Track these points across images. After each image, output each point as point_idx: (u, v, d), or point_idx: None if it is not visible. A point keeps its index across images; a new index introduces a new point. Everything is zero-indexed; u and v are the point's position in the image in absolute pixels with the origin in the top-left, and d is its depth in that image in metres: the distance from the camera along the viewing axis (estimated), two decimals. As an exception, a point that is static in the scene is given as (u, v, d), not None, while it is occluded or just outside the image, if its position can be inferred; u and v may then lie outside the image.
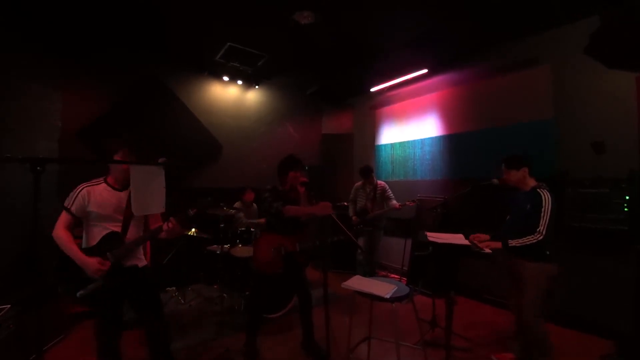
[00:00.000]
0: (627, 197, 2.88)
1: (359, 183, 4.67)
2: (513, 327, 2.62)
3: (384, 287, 2.18)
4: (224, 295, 3.67)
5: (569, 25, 3.48)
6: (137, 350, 2.57)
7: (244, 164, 5.42)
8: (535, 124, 3.74)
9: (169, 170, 1.98)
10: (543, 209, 2.26)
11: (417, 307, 2.40)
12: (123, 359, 2.09)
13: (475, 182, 3.02)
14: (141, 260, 2.18)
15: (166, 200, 2.06)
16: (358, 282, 2.32)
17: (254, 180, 5.09)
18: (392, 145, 5.69)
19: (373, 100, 6.07)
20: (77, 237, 2.03)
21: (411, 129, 5.35)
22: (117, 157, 2.05)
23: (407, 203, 4.27)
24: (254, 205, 4.63)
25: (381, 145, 5.93)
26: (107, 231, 2.01)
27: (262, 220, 4.38)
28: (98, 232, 2.00)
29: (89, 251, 1.96)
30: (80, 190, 1.98)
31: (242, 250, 3.71)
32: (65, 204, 1.97)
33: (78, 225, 2.03)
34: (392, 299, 2.08)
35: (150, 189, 1.82)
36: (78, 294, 1.87)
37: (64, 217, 1.97)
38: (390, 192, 4.50)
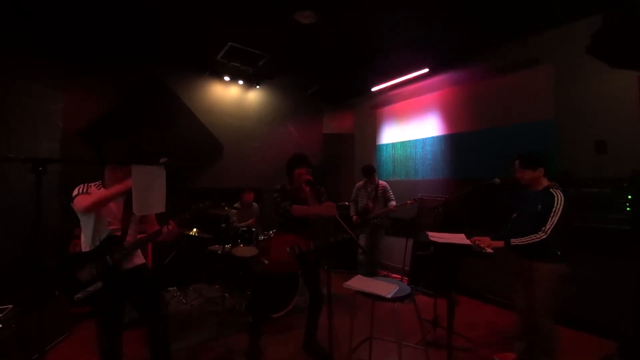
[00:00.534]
0: (630, 197, 2.86)
1: (360, 182, 4.69)
2: (515, 327, 2.61)
3: (385, 287, 2.18)
4: (225, 295, 3.67)
5: (570, 25, 3.47)
6: (137, 350, 2.57)
7: (245, 164, 5.42)
8: (536, 123, 3.73)
9: (170, 170, 1.99)
10: (554, 209, 2.23)
11: (418, 307, 2.39)
12: (124, 358, 2.10)
13: (476, 182, 3.01)
14: (139, 257, 2.20)
15: (167, 201, 2.08)
16: (359, 282, 2.32)
17: (255, 180, 5.09)
18: (393, 144, 5.68)
19: (374, 99, 6.07)
20: (76, 238, 2.03)
21: (412, 128, 5.34)
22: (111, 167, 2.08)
23: (408, 202, 4.28)
24: (254, 205, 4.63)
25: (382, 144, 5.92)
26: (106, 234, 2.02)
27: (251, 221, 4.38)
28: (97, 235, 2.01)
29: (87, 255, 1.97)
30: (88, 188, 2.02)
31: (243, 250, 3.71)
32: (74, 193, 1.97)
33: (78, 225, 2.04)
34: (394, 299, 2.08)
35: (152, 189, 1.82)
36: (75, 298, 1.87)
37: (80, 197, 1.95)
38: (391, 193, 4.52)
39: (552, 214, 2.22)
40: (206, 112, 5.11)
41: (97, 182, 2.12)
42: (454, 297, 2.20)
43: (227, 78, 5.15)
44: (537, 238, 2.22)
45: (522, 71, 3.90)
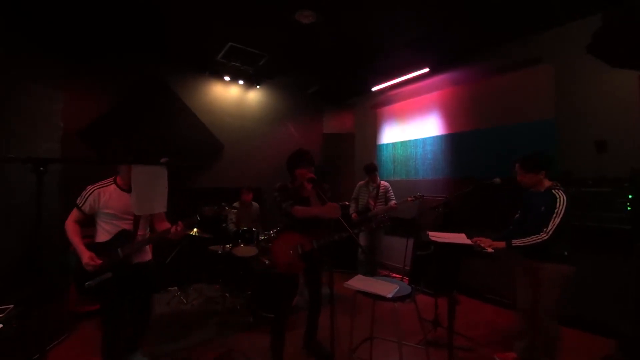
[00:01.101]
0: (630, 196, 2.87)
1: (362, 182, 4.71)
2: (516, 327, 2.61)
3: (386, 287, 2.18)
4: (226, 294, 3.67)
5: (570, 24, 3.48)
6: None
7: (245, 164, 5.42)
8: (537, 123, 3.73)
9: (170, 170, 2.04)
10: (556, 210, 2.22)
11: (419, 306, 2.40)
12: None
13: (477, 182, 3.01)
14: (147, 254, 2.39)
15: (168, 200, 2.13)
16: (360, 282, 2.32)
17: (255, 180, 5.09)
18: (394, 144, 5.68)
19: (374, 99, 6.07)
20: (86, 237, 2.13)
21: (412, 128, 5.34)
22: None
23: (408, 199, 4.29)
24: (253, 204, 4.62)
25: (382, 144, 5.92)
26: (120, 229, 2.17)
27: (248, 224, 4.34)
28: (110, 230, 2.16)
29: (100, 246, 2.13)
30: (92, 192, 2.14)
31: (243, 250, 3.71)
32: (77, 201, 2.14)
33: (87, 224, 2.19)
34: (394, 299, 2.08)
35: (153, 188, 1.83)
36: (86, 285, 2.03)
37: (75, 213, 2.15)
38: (392, 194, 4.53)
39: (554, 215, 2.22)
40: (206, 112, 5.11)
41: (110, 180, 2.24)
42: (455, 297, 2.19)
43: (227, 78, 5.14)
44: (538, 239, 2.22)
45: (522, 71, 3.90)
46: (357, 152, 6.49)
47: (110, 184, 2.20)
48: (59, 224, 3.35)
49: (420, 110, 5.24)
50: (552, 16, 3.42)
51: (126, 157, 2.40)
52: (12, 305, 2.27)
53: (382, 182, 4.61)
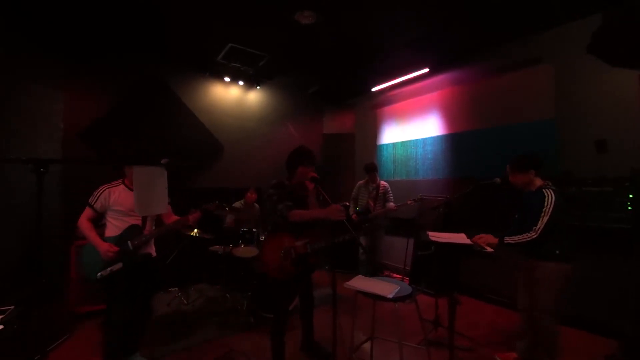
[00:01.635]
0: (631, 196, 2.87)
1: (362, 181, 4.70)
2: (517, 327, 2.61)
3: (386, 287, 2.18)
4: (227, 295, 3.67)
5: (570, 24, 3.48)
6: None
7: (245, 164, 5.42)
8: (537, 123, 3.74)
9: (171, 170, 2.07)
10: (544, 209, 2.23)
11: (419, 306, 2.40)
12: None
13: (477, 182, 3.01)
14: (152, 250, 2.53)
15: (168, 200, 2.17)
16: (360, 282, 2.32)
17: (255, 180, 5.09)
18: (394, 144, 5.68)
19: (374, 99, 6.07)
20: (77, 238, 2.18)
21: (413, 128, 5.34)
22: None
23: (408, 202, 4.29)
24: (256, 205, 4.62)
25: (383, 144, 5.92)
26: (129, 224, 2.35)
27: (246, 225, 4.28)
28: (119, 225, 2.35)
29: (111, 240, 2.30)
30: (103, 191, 2.34)
31: (244, 251, 3.71)
32: (89, 200, 2.33)
33: (99, 220, 2.40)
34: (395, 299, 2.08)
35: (153, 189, 1.83)
36: (98, 275, 2.19)
37: (87, 211, 2.34)
38: (391, 195, 4.53)
39: (542, 214, 2.23)
40: (207, 113, 5.11)
41: (119, 180, 2.43)
42: (455, 297, 2.19)
43: (227, 79, 5.14)
44: (527, 237, 2.23)
45: (522, 71, 3.90)
46: (357, 152, 6.49)
47: (119, 184, 2.40)
48: (59, 224, 3.38)
49: (420, 110, 5.24)
50: (552, 16, 3.42)
51: (127, 158, 2.52)
52: (12, 307, 2.27)
53: (381, 182, 4.61)
